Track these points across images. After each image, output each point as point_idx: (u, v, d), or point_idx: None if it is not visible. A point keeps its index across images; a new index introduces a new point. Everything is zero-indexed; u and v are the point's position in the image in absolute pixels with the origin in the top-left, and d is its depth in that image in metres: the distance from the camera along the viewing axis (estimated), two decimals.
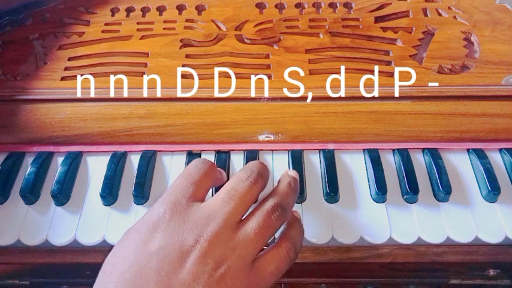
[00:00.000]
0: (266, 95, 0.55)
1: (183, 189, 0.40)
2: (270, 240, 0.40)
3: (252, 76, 0.58)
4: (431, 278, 0.52)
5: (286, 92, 0.55)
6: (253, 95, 0.55)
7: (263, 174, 0.42)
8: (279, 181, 0.45)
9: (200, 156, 0.54)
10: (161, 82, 0.57)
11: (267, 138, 0.53)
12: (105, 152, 0.54)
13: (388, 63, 0.59)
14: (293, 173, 0.46)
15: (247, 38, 0.62)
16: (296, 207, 0.49)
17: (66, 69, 0.59)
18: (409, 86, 0.55)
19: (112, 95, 0.56)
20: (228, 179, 0.51)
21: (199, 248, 0.35)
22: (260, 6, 0.66)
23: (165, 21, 0.65)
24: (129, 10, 0.67)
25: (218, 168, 0.46)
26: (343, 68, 0.57)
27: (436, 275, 0.52)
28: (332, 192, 0.49)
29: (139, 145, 0.54)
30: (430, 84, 0.55)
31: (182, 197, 0.39)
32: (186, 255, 0.35)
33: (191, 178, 0.41)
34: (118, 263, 0.36)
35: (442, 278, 0.52)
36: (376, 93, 0.55)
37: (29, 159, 0.54)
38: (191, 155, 0.54)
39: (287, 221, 0.42)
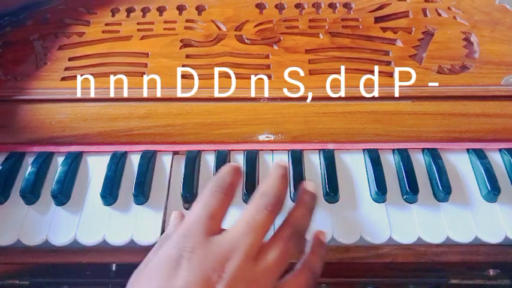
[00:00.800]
0: (266, 95, 0.55)
1: (201, 223, 0.39)
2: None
3: (252, 76, 0.58)
4: (431, 278, 0.52)
5: (286, 92, 0.55)
6: (253, 95, 0.55)
7: (280, 199, 0.41)
8: (296, 199, 0.44)
9: (200, 156, 0.54)
10: (161, 82, 0.57)
11: (267, 138, 0.54)
12: (105, 152, 0.54)
13: (388, 63, 0.59)
14: (311, 187, 0.44)
15: (247, 38, 0.62)
16: None
17: (66, 69, 0.59)
18: (409, 86, 0.56)
19: (112, 95, 0.56)
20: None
21: (223, 283, 0.35)
22: (260, 7, 0.67)
23: (165, 22, 0.65)
24: (129, 10, 0.67)
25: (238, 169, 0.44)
26: (343, 68, 0.58)
27: (436, 275, 0.52)
28: (332, 192, 0.49)
29: (139, 145, 0.54)
30: (430, 84, 0.56)
31: (201, 232, 0.38)
32: None
33: (208, 209, 0.40)
34: None
35: (442, 278, 0.52)
36: (376, 93, 0.55)
37: (29, 159, 0.54)
38: (191, 155, 0.54)
39: (311, 245, 0.42)
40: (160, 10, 0.67)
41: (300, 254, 0.41)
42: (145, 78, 0.57)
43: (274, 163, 0.45)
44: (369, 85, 0.56)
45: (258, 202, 0.40)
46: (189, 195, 0.50)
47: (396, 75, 0.57)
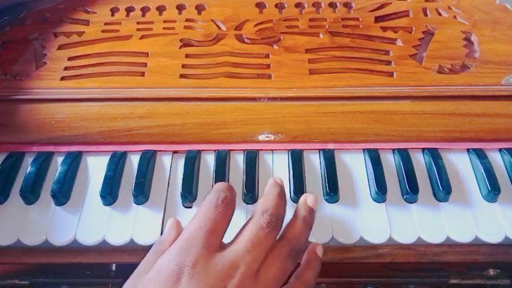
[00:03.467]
0: (266, 95, 0.55)
1: (203, 238, 0.38)
2: None
3: (252, 76, 0.58)
4: (431, 278, 0.52)
5: (286, 92, 0.55)
6: (253, 95, 0.55)
7: (281, 217, 0.41)
8: (294, 214, 0.43)
9: (200, 156, 0.54)
10: (161, 82, 0.57)
11: (267, 138, 0.53)
12: (105, 152, 0.54)
13: (388, 62, 0.59)
14: (311, 202, 0.44)
15: (247, 38, 0.62)
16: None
17: (66, 69, 0.59)
18: (409, 85, 0.55)
19: (112, 94, 0.56)
20: (226, 177, 0.52)
21: None
22: (260, 6, 0.66)
23: (165, 21, 0.65)
24: (129, 10, 0.67)
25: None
26: (343, 67, 0.57)
27: (436, 275, 0.52)
28: (332, 192, 0.49)
29: (139, 145, 0.54)
30: (430, 84, 0.55)
31: (203, 248, 0.37)
32: None
33: (210, 223, 0.39)
34: None
35: (442, 278, 0.52)
36: (376, 93, 0.55)
37: (29, 159, 0.54)
38: (191, 155, 0.54)
39: (305, 259, 0.43)
40: (160, 9, 0.67)
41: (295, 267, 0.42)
42: (145, 78, 0.57)
43: (269, 180, 0.45)
44: (369, 85, 0.56)
45: (259, 219, 0.40)
46: (189, 195, 0.50)
47: (396, 75, 0.57)
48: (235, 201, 0.42)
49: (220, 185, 0.42)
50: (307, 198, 0.45)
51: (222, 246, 0.39)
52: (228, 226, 0.41)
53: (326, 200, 0.50)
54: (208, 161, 0.54)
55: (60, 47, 0.62)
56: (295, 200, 0.50)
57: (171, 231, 0.42)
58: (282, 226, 0.41)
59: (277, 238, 0.41)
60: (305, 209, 0.44)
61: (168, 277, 0.36)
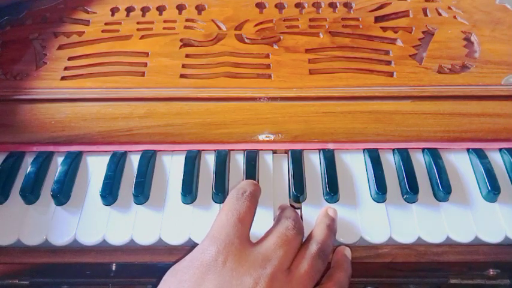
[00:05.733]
0: (266, 95, 0.55)
1: (233, 227, 0.39)
2: None
3: (252, 76, 0.58)
4: (431, 278, 0.52)
5: (286, 92, 0.55)
6: (253, 95, 0.55)
7: (302, 225, 0.44)
8: (317, 222, 0.45)
9: (200, 156, 0.54)
10: (161, 82, 0.57)
11: (267, 138, 0.53)
12: (105, 151, 0.54)
13: (388, 62, 0.59)
14: (332, 213, 0.46)
15: (247, 38, 0.62)
16: (296, 207, 0.49)
17: (66, 69, 0.59)
18: (409, 85, 0.55)
19: (112, 94, 0.56)
20: (226, 177, 0.52)
21: None
22: (260, 6, 0.66)
23: (165, 21, 0.65)
24: (129, 10, 0.67)
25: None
26: (343, 67, 0.57)
27: (436, 275, 0.52)
28: (332, 192, 0.49)
29: (139, 145, 0.54)
30: (430, 84, 0.55)
31: (234, 236, 0.39)
32: None
33: (237, 214, 0.41)
34: None
35: (442, 278, 0.51)
36: (376, 93, 0.55)
37: (29, 159, 0.54)
38: (191, 155, 0.54)
39: (335, 262, 0.44)
40: (160, 9, 0.67)
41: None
42: (145, 78, 0.57)
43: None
44: (369, 85, 0.56)
45: (285, 221, 0.42)
46: (189, 195, 0.50)
47: (396, 75, 0.57)
48: (258, 196, 0.44)
49: (244, 181, 0.45)
50: (328, 209, 0.47)
51: (252, 243, 0.40)
52: (253, 219, 0.42)
53: (326, 200, 0.50)
54: (209, 161, 0.54)
55: (60, 47, 0.62)
56: (295, 200, 0.50)
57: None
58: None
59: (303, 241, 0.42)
60: (327, 217, 0.45)
61: (201, 267, 0.37)
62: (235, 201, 0.42)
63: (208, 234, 0.40)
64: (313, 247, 0.41)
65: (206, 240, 0.39)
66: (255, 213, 0.43)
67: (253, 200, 0.43)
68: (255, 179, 0.51)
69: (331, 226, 0.45)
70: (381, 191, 0.49)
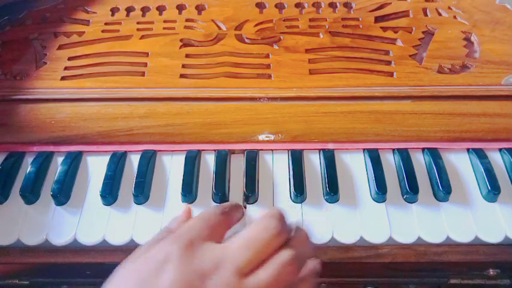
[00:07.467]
0: (266, 95, 0.55)
1: (198, 231, 0.38)
2: None
3: (252, 76, 0.58)
4: (431, 277, 0.52)
5: (286, 92, 0.55)
6: (253, 95, 0.55)
7: (287, 227, 0.39)
8: (297, 228, 0.42)
9: (200, 156, 0.54)
10: (161, 82, 0.57)
11: (267, 138, 0.53)
12: (105, 151, 0.54)
13: (388, 62, 0.59)
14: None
15: (247, 38, 0.62)
16: (296, 207, 0.49)
17: (66, 68, 0.59)
18: (409, 85, 0.55)
19: (112, 94, 0.56)
20: (226, 177, 0.52)
21: None
22: (260, 6, 0.66)
23: (165, 21, 0.65)
24: (129, 10, 0.67)
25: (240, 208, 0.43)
26: (343, 67, 0.57)
27: (436, 275, 0.52)
28: (332, 192, 0.49)
29: (139, 145, 0.54)
30: (430, 84, 0.55)
31: (197, 237, 0.37)
32: None
33: (208, 222, 0.39)
34: None
35: (442, 278, 0.52)
36: (376, 93, 0.55)
37: (29, 159, 0.54)
38: (191, 155, 0.54)
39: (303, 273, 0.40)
40: (160, 9, 0.67)
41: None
42: (145, 78, 0.57)
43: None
44: (369, 85, 0.56)
45: (262, 222, 0.38)
46: (189, 195, 0.50)
47: (396, 75, 0.57)
48: (236, 217, 0.42)
49: (228, 203, 0.43)
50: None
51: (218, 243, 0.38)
52: (226, 231, 0.40)
53: (326, 200, 0.50)
54: (209, 161, 0.54)
55: (60, 47, 0.62)
56: (296, 201, 0.50)
57: (183, 213, 0.43)
58: (287, 238, 0.39)
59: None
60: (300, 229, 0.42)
61: (158, 260, 0.35)
62: (211, 214, 0.40)
63: (171, 234, 0.38)
64: (286, 253, 0.37)
65: (168, 239, 0.37)
66: (227, 229, 0.41)
67: (227, 219, 0.41)
68: (254, 179, 0.51)
69: (303, 233, 0.41)
70: (381, 191, 0.49)
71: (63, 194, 0.50)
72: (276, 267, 0.36)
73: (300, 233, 0.41)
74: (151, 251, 0.37)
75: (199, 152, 0.54)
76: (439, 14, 0.64)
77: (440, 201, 0.49)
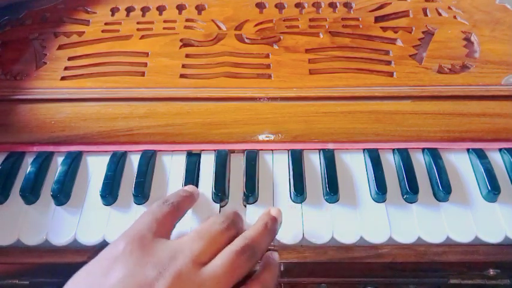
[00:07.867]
0: (266, 95, 0.55)
1: (147, 224, 0.39)
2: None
3: (252, 76, 0.58)
4: (431, 278, 0.52)
5: (286, 92, 0.55)
6: (253, 95, 0.55)
7: (237, 223, 0.41)
8: (257, 221, 0.43)
9: (200, 156, 0.54)
10: (161, 82, 0.57)
11: (267, 138, 0.53)
12: (105, 151, 0.54)
13: (388, 62, 0.59)
14: (275, 212, 0.44)
15: (247, 38, 0.62)
16: (296, 207, 0.49)
17: (66, 69, 0.59)
18: (409, 85, 0.55)
19: (112, 94, 0.56)
20: (226, 177, 0.52)
21: (163, 282, 0.34)
22: (260, 6, 0.66)
23: (165, 21, 0.65)
24: (129, 10, 0.67)
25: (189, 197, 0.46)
26: (343, 67, 0.57)
27: (436, 275, 0.52)
28: (332, 192, 0.49)
29: (139, 145, 0.54)
30: (430, 84, 0.55)
31: (147, 231, 0.38)
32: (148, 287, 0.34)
33: (155, 215, 0.40)
34: None
35: (442, 278, 0.52)
36: (376, 93, 0.55)
37: (29, 159, 0.54)
38: (191, 155, 0.54)
39: (263, 263, 0.42)
40: (160, 9, 0.67)
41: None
42: (145, 78, 0.57)
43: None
44: (369, 85, 0.56)
45: (213, 218, 0.41)
46: None
47: (396, 75, 0.57)
48: (184, 207, 0.44)
49: (174, 192, 0.45)
50: (271, 209, 0.45)
51: (168, 239, 0.39)
52: (175, 222, 0.42)
53: (326, 200, 0.50)
54: (209, 161, 0.54)
55: (60, 47, 0.62)
56: (296, 201, 0.50)
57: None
58: (237, 235, 0.40)
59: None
60: (267, 215, 0.44)
61: (109, 258, 0.36)
62: (155, 207, 0.42)
63: (122, 234, 0.39)
64: (238, 242, 0.39)
65: (118, 238, 0.38)
66: (177, 221, 0.42)
67: (174, 209, 0.42)
68: (254, 179, 0.51)
69: (269, 224, 0.42)
70: (381, 191, 0.49)
71: (63, 194, 0.50)
72: (229, 254, 0.37)
73: (258, 224, 0.42)
74: (102, 252, 0.38)
75: (199, 152, 0.54)
76: (439, 14, 0.64)
77: (440, 201, 0.49)
